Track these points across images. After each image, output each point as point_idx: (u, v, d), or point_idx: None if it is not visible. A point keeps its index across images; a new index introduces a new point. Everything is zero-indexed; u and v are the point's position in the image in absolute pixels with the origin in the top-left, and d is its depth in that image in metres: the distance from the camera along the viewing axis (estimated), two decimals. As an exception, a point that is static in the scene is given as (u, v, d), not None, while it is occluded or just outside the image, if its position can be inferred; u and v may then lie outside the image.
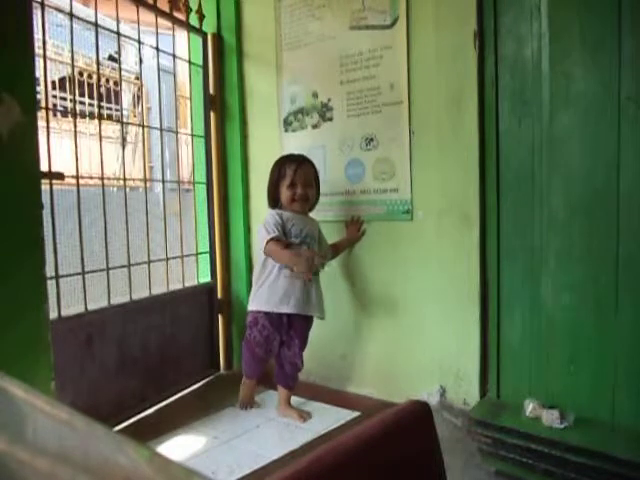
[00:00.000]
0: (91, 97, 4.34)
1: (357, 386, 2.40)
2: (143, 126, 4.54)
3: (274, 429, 2.11)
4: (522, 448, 1.67)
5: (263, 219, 2.46)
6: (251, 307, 2.20)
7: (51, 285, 1.76)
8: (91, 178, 2.59)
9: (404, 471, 0.76)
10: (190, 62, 2.64)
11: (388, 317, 2.28)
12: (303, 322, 2.19)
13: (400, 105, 2.18)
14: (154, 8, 2.36)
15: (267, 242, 2.03)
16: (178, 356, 2.48)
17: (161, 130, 2.51)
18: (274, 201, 2.18)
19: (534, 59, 1.83)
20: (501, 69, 1.92)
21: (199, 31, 2.65)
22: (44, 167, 1.73)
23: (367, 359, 2.37)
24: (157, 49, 2.42)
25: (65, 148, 2.43)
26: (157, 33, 2.39)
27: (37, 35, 1.72)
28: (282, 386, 2.23)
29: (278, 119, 2.59)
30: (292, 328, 2.17)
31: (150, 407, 2.31)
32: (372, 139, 2.28)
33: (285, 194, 2.13)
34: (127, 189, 2.24)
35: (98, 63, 2.23)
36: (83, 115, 4.05)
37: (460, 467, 1.78)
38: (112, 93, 4.69)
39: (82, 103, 4.49)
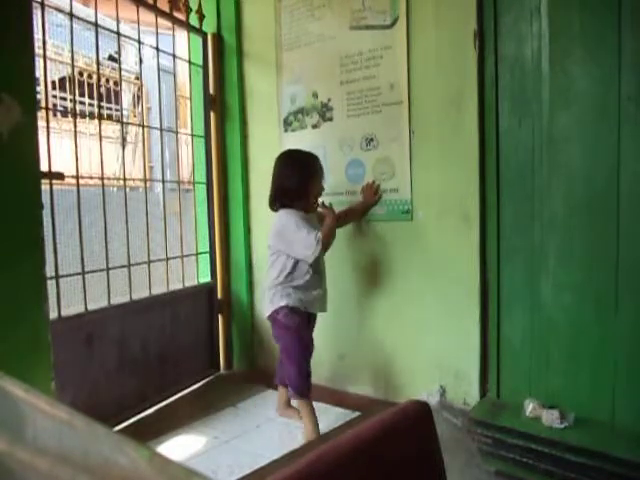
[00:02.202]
0: (91, 97, 4.34)
1: (357, 386, 2.40)
2: (143, 126, 4.54)
3: (274, 429, 2.11)
4: (522, 448, 1.67)
5: (264, 219, 2.45)
6: (282, 302, 2.01)
7: (51, 285, 1.76)
8: (91, 178, 2.60)
9: (404, 471, 0.76)
10: (190, 62, 2.64)
11: (388, 317, 2.28)
12: (314, 321, 2.18)
13: (400, 105, 2.17)
14: (154, 8, 2.36)
15: (317, 244, 1.93)
16: (178, 356, 2.48)
17: (161, 130, 2.51)
18: (297, 198, 2.02)
19: (534, 59, 1.83)
20: (501, 69, 1.92)
21: (199, 31, 2.65)
22: (44, 167, 1.74)
23: (367, 359, 2.36)
24: (157, 49, 2.42)
25: (65, 148, 2.43)
26: (157, 33, 2.39)
27: (37, 35, 1.72)
28: (285, 386, 2.21)
29: (278, 119, 2.59)
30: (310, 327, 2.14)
31: (150, 407, 2.31)
32: (372, 139, 2.28)
33: (316, 191, 2.06)
34: (127, 189, 2.24)
35: (98, 63, 2.23)
36: (83, 115, 4.05)
37: (460, 467, 1.77)
38: (112, 93, 4.69)
39: (82, 103, 4.49)
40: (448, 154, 2.05)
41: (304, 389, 2.04)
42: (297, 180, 2.01)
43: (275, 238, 2.04)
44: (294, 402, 2.15)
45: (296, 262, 2.01)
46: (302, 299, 2.02)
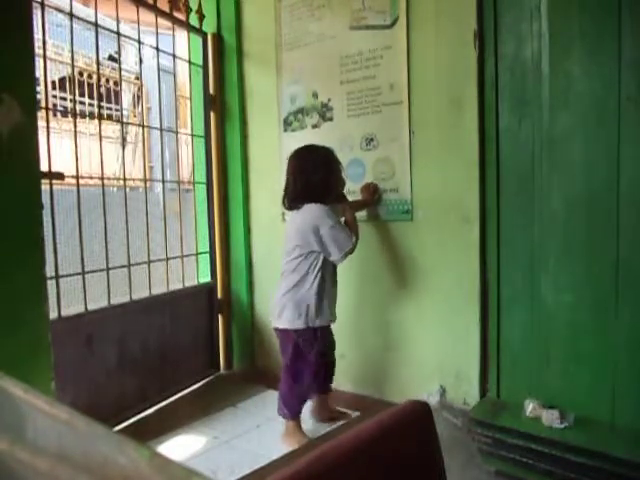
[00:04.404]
0: (91, 97, 4.34)
1: (357, 386, 2.40)
2: (143, 126, 4.54)
3: (274, 429, 2.11)
4: (522, 448, 1.67)
5: (264, 219, 2.45)
6: (317, 323, 1.95)
7: (51, 285, 1.76)
8: (91, 178, 2.60)
9: (404, 471, 0.76)
10: (190, 62, 2.64)
11: (388, 317, 2.28)
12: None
13: (400, 105, 2.18)
14: (154, 8, 2.36)
15: (351, 247, 1.93)
16: (178, 356, 2.48)
17: (161, 130, 2.51)
18: (327, 192, 1.96)
19: (534, 59, 1.83)
20: (501, 69, 1.92)
21: (199, 31, 2.65)
22: (44, 167, 1.73)
23: (367, 359, 2.36)
24: (157, 49, 2.42)
25: (65, 148, 2.43)
26: (157, 33, 2.39)
27: (37, 35, 1.72)
28: (323, 392, 2.16)
29: (278, 119, 2.59)
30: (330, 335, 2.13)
31: (150, 407, 2.31)
32: (372, 139, 2.28)
33: (341, 183, 2.04)
34: (127, 189, 2.24)
35: (98, 63, 2.23)
36: (83, 115, 4.05)
37: (460, 467, 1.77)
38: (112, 93, 4.69)
39: (82, 103, 4.49)
40: (448, 154, 2.05)
41: (298, 410, 2.03)
42: (324, 174, 1.94)
43: (307, 234, 1.91)
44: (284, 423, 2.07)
45: (327, 264, 1.95)
46: (331, 310, 1.99)
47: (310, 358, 1.97)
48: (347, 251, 1.93)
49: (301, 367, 1.99)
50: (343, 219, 2.06)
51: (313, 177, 1.94)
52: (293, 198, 1.98)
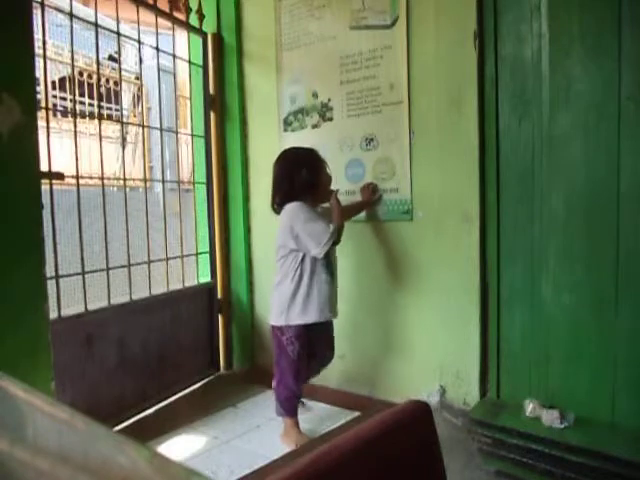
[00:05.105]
0: (91, 97, 4.34)
1: (357, 386, 2.40)
2: (143, 126, 4.54)
3: (274, 429, 2.11)
4: (522, 448, 1.67)
5: (264, 219, 2.43)
6: (296, 321, 1.97)
7: (51, 285, 1.76)
8: (91, 178, 2.60)
9: (404, 471, 0.76)
10: (190, 62, 2.64)
11: (388, 317, 2.28)
12: (331, 325, 2.16)
13: (400, 105, 2.17)
14: (154, 8, 2.36)
15: (330, 237, 1.89)
16: (178, 356, 2.48)
17: (161, 130, 2.50)
18: (310, 192, 1.98)
19: (534, 59, 1.83)
20: (501, 69, 1.92)
21: (199, 31, 2.65)
22: (44, 167, 1.73)
23: (367, 359, 2.36)
24: (157, 49, 2.42)
25: (65, 148, 2.43)
26: (157, 33, 2.39)
27: (37, 35, 1.72)
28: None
29: (278, 119, 2.59)
30: (324, 333, 2.13)
31: (150, 407, 2.31)
32: (372, 139, 2.28)
33: (326, 180, 2.04)
34: (127, 189, 2.24)
35: (98, 63, 2.23)
36: (83, 115, 4.05)
37: (460, 467, 1.77)
38: (112, 93, 4.69)
39: (82, 103, 4.49)
40: (448, 154, 2.05)
41: (290, 406, 2.04)
42: (306, 174, 1.96)
43: (284, 235, 1.95)
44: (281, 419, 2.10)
45: (307, 261, 1.95)
46: (319, 307, 1.97)
47: (291, 356, 1.99)
48: (325, 242, 1.88)
49: (284, 364, 2.01)
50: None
51: (297, 178, 1.97)
52: (277, 202, 2.03)
